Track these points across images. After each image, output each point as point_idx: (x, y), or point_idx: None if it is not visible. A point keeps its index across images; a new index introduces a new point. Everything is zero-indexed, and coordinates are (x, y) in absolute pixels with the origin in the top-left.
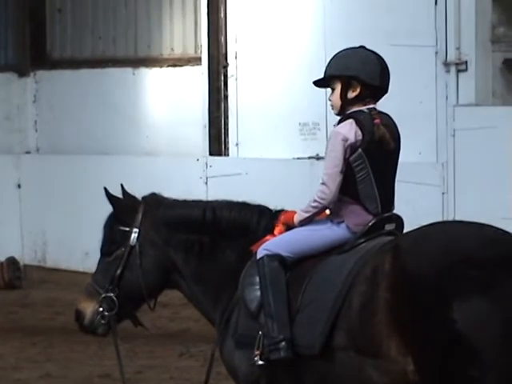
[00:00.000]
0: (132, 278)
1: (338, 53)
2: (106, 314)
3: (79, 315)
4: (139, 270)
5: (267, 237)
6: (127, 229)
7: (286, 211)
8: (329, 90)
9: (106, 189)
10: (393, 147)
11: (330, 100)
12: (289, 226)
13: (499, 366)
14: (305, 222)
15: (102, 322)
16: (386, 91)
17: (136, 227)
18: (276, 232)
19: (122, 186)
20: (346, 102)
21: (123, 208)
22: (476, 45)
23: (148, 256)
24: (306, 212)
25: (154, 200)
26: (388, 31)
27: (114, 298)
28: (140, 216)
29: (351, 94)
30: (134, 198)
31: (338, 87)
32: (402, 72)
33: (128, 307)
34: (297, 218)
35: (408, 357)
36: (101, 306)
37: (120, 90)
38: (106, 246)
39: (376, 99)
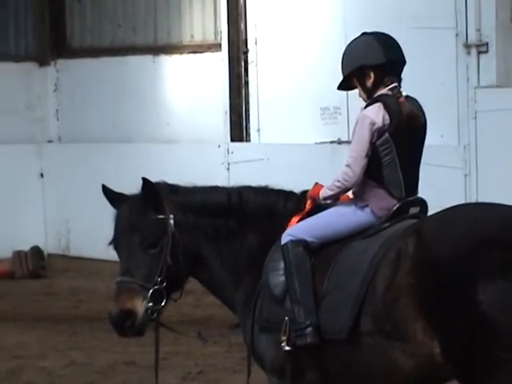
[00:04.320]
0: (175, 266)
1: (343, 53)
2: (155, 308)
3: (129, 316)
4: (181, 256)
5: (296, 216)
6: (163, 216)
7: (316, 184)
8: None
9: (104, 186)
10: (423, 120)
11: (360, 97)
12: (315, 201)
13: None
14: (328, 199)
15: (152, 317)
16: (399, 62)
17: (170, 213)
18: (307, 206)
19: (143, 178)
20: (369, 91)
21: (152, 195)
22: (496, 26)
23: (183, 242)
24: (330, 190)
25: (167, 186)
26: (408, 14)
27: (163, 290)
28: (165, 203)
29: (369, 83)
30: (154, 184)
31: (356, 82)
32: (423, 55)
33: (168, 298)
34: (322, 194)
35: (434, 339)
36: (150, 302)
37: (140, 78)
38: (146, 238)
39: (396, 74)
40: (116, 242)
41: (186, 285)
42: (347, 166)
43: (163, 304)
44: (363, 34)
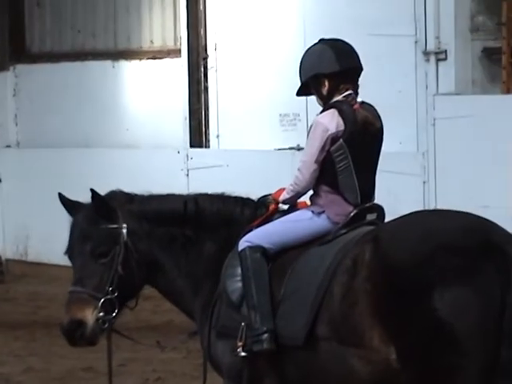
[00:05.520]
0: (127, 275)
1: (301, 60)
2: (107, 318)
3: (79, 325)
4: (134, 266)
5: (256, 221)
6: (115, 226)
7: (280, 189)
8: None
9: (60, 194)
10: (378, 126)
11: (318, 103)
12: (278, 204)
13: (481, 353)
14: (286, 202)
15: (103, 327)
16: (355, 69)
17: (123, 223)
18: (270, 209)
19: (91, 189)
20: (325, 99)
21: (102, 206)
22: (455, 34)
23: (137, 251)
24: (287, 193)
25: (122, 195)
26: (367, 21)
27: (114, 300)
28: (119, 212)
29: (324, 90)
30: (102, 196)
31: (313, 90)
32: (382, 61)
33: (121, 307)
34: (281, 197)
35: (390, 346)
36: (101, 311)
37: (100, 83)
38: (96, 248)
39: (351, 81)
40: (69, 251)
41: (144, 290)
42: (298, 170)
43: (115, 314)
44: (320, 40)
